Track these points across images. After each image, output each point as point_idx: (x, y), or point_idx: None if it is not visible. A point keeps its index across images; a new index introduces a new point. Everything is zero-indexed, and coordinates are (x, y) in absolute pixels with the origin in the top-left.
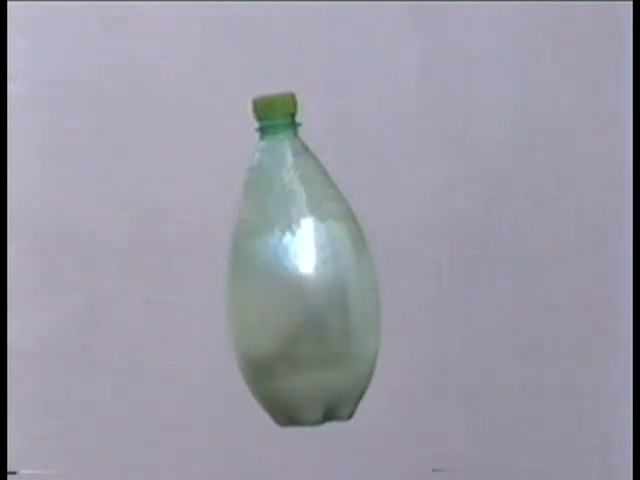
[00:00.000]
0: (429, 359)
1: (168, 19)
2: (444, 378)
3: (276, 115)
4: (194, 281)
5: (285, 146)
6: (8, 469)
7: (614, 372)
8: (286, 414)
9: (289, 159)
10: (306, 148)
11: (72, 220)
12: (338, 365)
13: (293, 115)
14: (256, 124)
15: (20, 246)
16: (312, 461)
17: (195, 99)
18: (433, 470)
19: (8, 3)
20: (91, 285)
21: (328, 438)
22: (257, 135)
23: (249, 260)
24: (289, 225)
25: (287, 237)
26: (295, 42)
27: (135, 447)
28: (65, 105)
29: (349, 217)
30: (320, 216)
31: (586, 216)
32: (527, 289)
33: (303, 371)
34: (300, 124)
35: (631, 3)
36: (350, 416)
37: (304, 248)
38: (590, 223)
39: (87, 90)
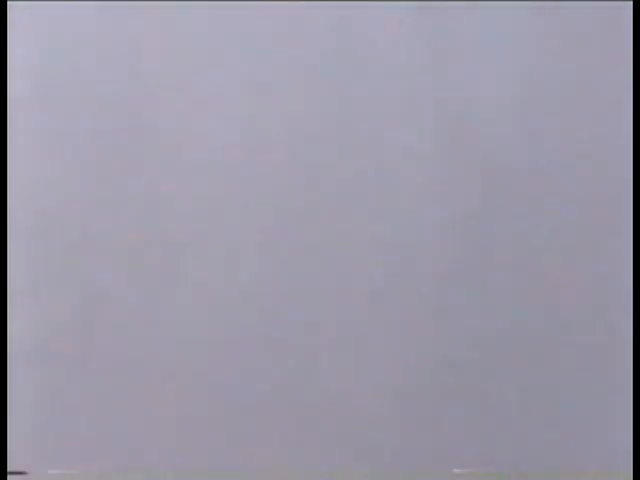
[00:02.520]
0: (429, 359)
1: (168, 19)
2: (444, 378)
3: None
4: (194, 281)
5: None
6: (8, 469)
7: (614, 372)
8: None
9: None
10: None
11: (72, 220)
12: None
13: None
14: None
15: (20, 246)
16: (312, 461)
17: (195, 98)
18: (435, 470)
19: (8, 3)
20: (90, 284)
21: (328, 437)
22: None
23: None
24: None
25: None
26: (296, 41)
27: (135, 446)
28: (65, 105)
29: None
30: None
31: (586, 216)
32: (527, 289)
33: None
34: None
35: (631, 3)
36: None
37: None
38: (590, 223)
39: (87, 90)
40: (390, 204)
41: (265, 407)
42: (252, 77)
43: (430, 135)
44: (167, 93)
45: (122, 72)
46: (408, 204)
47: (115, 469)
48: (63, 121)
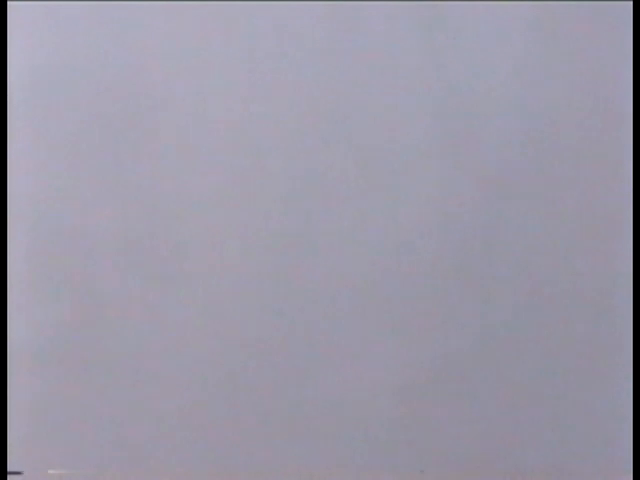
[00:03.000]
0: (429, 359)
1: (168, 18)
2: (444, 378)
3: None
4: (194, 281)
5: None
6: (9, 469)
7: (614, 372)
8: None
9: None
10: None
11: (72, 220)
12: None
13: None
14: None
15: (20, 246)
16: (314, 461)
17: (195, 99)
18: (433, 469)
19: (8, 3)
20: (91, 285)
21: (328, 437)
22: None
23: None
24: None
25: None
26: (296, 41)
27: (134, 445)
28: (65, 105)
29: None
30: None
31: (586, 216)
32: (527, 289)
33: None
34: None
35: (631, 3)
36: None
37: None
38: (590, 223)
39: (87, 91)
40: (390, 203)
41: (266, 405)
42: (252, 76)
43: (430, 132)
44: (167, 92)
45: (122, 72)
46: (409, 202)
47: (115, 469)
48: (62, 121)
